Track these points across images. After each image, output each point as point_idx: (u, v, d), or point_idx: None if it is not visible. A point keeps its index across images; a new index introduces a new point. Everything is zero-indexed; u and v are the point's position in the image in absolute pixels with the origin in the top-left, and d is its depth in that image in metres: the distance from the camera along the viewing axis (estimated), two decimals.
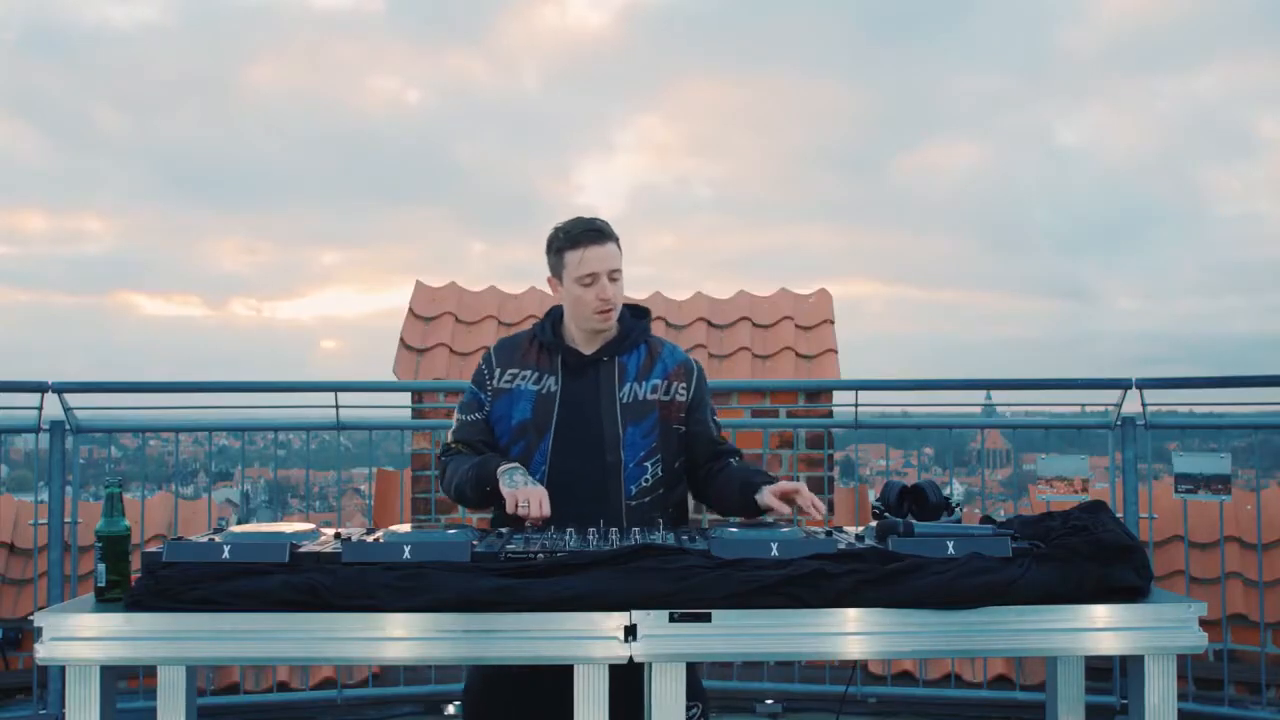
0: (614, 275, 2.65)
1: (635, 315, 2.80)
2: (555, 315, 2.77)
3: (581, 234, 2.65)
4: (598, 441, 2.63)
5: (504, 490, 2.52)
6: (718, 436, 2.80)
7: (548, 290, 2.81)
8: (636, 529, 2.48)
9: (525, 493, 2.49)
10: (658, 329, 5.81)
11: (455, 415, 2.79)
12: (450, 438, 2.77)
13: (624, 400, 2.66)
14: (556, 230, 2.69)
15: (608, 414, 2.65)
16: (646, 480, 2.65)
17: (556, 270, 2.70)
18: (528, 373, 2.70)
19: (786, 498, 2.54)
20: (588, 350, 2.71)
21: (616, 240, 2.69)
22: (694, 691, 2.34)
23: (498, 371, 2.73)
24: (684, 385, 2.72)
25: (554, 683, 2.17)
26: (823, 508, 2.54)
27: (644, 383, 2.68)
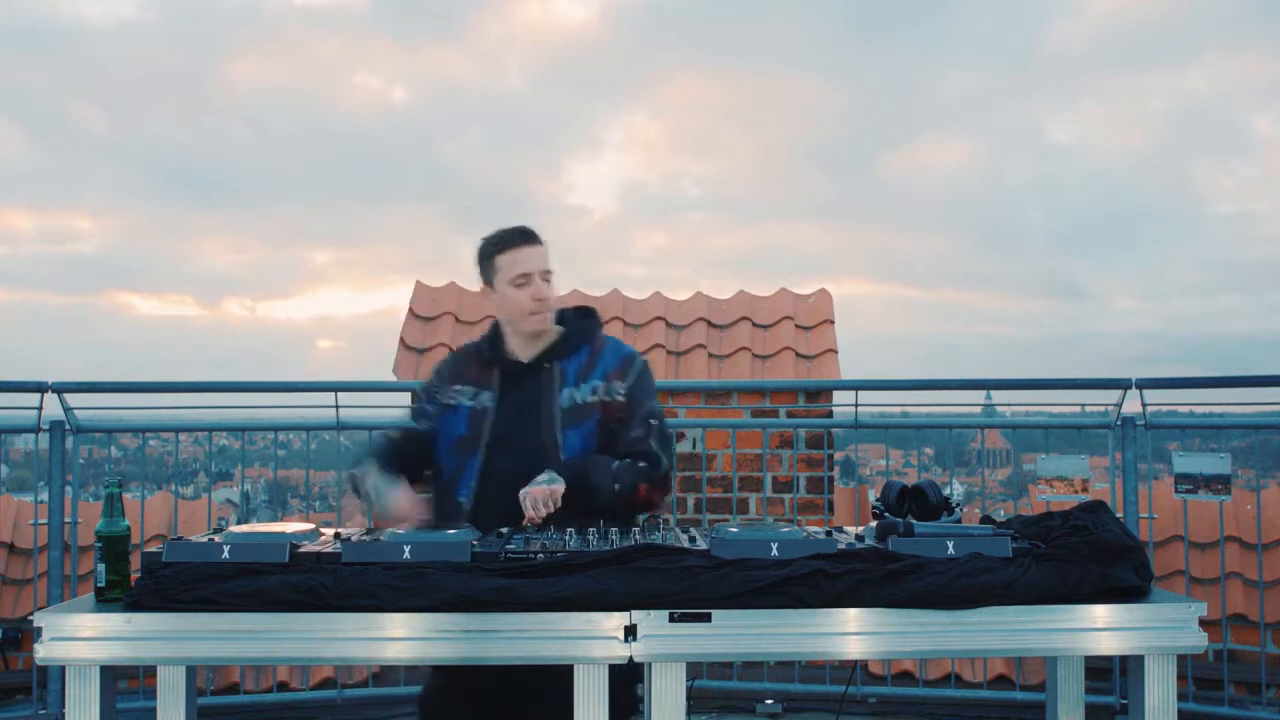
0: (546, 275, 2.67)
1: (581, 316, 2.79)
2: (496, 327, 2.78)
3: (512, 236, 2.68)
4: (536, 451, 2.58)
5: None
6: (636, 435, 2.63)
7: None
8: (637, 528, 2.48)
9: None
10: (657, 330, 5.82)
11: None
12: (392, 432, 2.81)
13: (563, 405, 2.63)
14: (485, 239, 2.72)
15: (547, 422, 2.61)
16: None
17: (488, 277, 2.72)
18: (467, 389, 2.71)
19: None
20: (526, 358, 2.71)
21: (545, 244, 2.71)
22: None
23: (446, 388, 2.75)
24: (621, 383, 2.66)
25: (511, 693, 2.17)
26: (538, 509, 2.45)
27: (583, 385, 2.65)
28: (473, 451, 2.64)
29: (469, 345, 2.85)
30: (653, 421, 2.67)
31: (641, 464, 2.59)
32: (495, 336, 2.77)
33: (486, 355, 2.75)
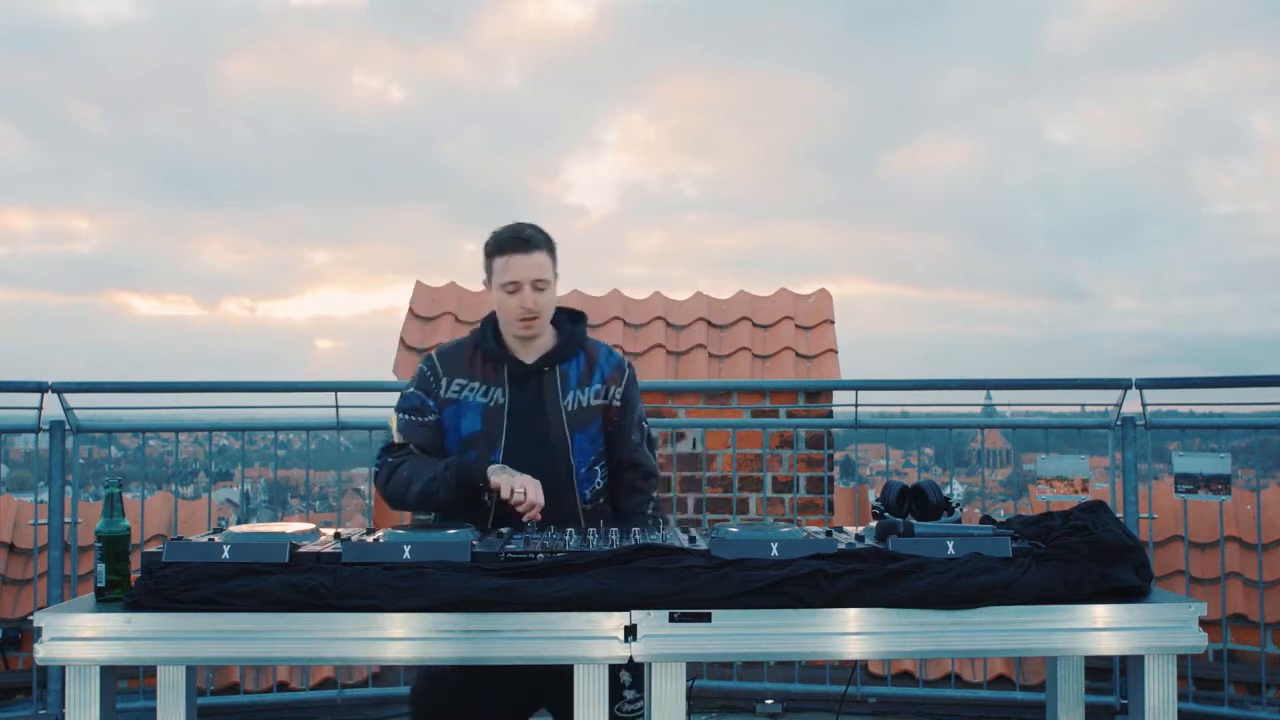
0: (539, 284, 2.65)
1: (571, 320, 2.80)
2: (494, 322, 2.76)
3: (507, 241, 2.66)
4: (548, 450, 2.66)
5: (497, 478, 2.53)
6: (635, 440, 2.80)
7: None
8: (637, 529, 2.49)
9: (522, 480, 2.52)
10: (656, 330, 5.82)
11: (396, 415, 2.73)
12: (398, 437, 2.71)
13: (569, 409, 2.70)
14: (489, 236, 2.70)
15: (555, 423, 2.68)
16: (599, 484, 2.75)
17: (488, 275, 2.71)
18: (475, 384, 2.70)
19: None
20: (528, 359, 2.72)
21: (548, 249, 2.69)
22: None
23: (444, 381, 2.71)
24: (618, 389, 2.77)
25: (503, 685, 2.20)
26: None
27: (586, 389, 2.73)
28: (490, 449, 2.65)
29: (464, 340, 2.81)
30: (644, 425, 2.87)
31: (639, 497, 2.80)
32: (496, 334, 2.74)
33: (491, 351, 2.72)
